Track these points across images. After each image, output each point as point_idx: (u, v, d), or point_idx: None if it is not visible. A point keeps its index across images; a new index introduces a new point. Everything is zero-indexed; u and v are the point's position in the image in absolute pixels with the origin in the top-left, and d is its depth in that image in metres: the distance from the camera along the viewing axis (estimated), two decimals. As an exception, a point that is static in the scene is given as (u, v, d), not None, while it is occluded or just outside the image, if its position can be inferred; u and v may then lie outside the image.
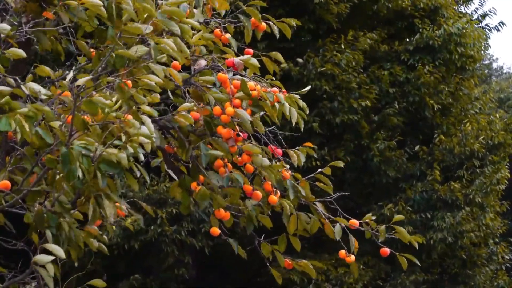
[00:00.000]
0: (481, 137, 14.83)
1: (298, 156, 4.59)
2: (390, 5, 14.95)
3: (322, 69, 13.68)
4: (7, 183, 3.47)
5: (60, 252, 3.10)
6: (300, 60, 13.84)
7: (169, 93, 4.22)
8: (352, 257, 4.65)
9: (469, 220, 14.39)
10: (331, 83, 13.83)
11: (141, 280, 13.40)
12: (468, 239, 14.40)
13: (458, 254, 14.73)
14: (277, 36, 4.54)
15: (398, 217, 4.67)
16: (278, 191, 4.38)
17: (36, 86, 3.25)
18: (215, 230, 4.48)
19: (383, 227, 4.62)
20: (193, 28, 3.95)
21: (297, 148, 4.64)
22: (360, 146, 14.48)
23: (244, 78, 4.12)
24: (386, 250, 4.71)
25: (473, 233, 14.47)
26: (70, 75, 3.66)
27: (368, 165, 14.60)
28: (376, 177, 14.63)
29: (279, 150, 4.58)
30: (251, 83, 4.09)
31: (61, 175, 3.23)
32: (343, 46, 14.03)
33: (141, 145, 3.31)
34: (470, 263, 15.06)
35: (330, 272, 13.74)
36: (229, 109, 4.02)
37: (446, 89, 15.07)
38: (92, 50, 4.32)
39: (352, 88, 13.96)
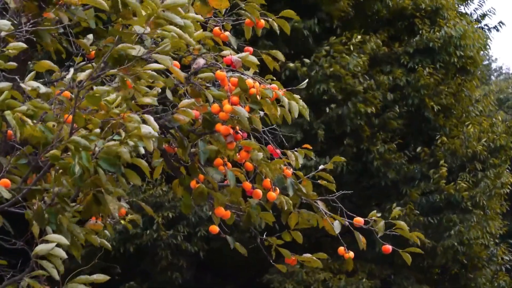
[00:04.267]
0: (483, 139, 14.78)
1: (296, 157, 4.60)
2: (391, 3, 14.89)
3: (331, 69, 13.60)
4: (6, 181, 3.47)
5: (62, 239, 3.03)
6: (307, 60, 13.79)
7: (167, 93, 4.22)
8: (351, 253, 4.66)
9: (478, 228, 14.35)
10: (337, 85, 13.73)
11: (136, 286, 13.40)
12: (478, 246, 14.41)
13: (460, 258, 14.71)
14: (278, 32, 4.53)
15: (396, 211, 4.68)
16: (277, 188, 4.38)
17: (36, 83, 3.24)
18: (214, 228, 4.48)
19: (382, 222, 4.63)
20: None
21: (295, 149, 4.65)
22: (360, 149, 14.41)
23: (242, 75, 4.12)
24: (388, 247, 4.72)
25: (479, 240, 14.46)
26: (71, 73, 3.66)
27: (368, 168, 14.54)
28: (375, 180, 14.58)
29: (278, 151, 4.59)
30: (249, 81, 4.09)
31: (60, 171, 3.22)
32: (352, 48, 13.97)
33: (141, 138, 3.29)
34: (471, 265, 15.04)
35: (330, 280, 13.65)
36: (227, 106, 4.02)
37: (446, 89, 14.99)
38: (91, 50, 4.33)
39: (358, 92, 13.87)
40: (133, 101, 3.49)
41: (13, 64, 3.46)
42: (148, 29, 3.66)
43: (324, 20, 14.37)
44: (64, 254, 3.05)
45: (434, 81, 14.64)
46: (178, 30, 3.57)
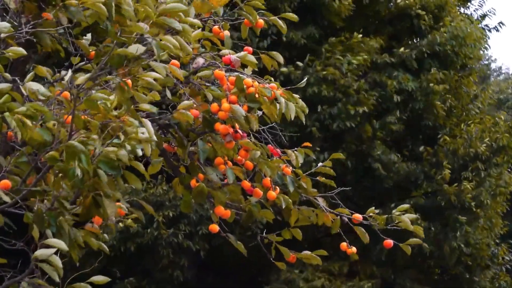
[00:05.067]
0: (486, 139, 14.71)
1: (296, 157, 4.61)
2: (391, 4, 14.79)
3: (323, 73, 13.56)
4: (7, 182, 3.47)
5: (62, 245, 3.04)
6: (300, 63, 13.80)
7: (167, 93, 4.22)
8: (354, 249, 4.67)
9: (483, 227, 14.29)
10: (330, 88, 13.70)
11: (136, 283, 13.40)
12: (484, 246, 14.37)
13: (464, 259, 14.67)
14: (284, 28, 4.53)
15: (403, 206, 4.68)
16: (278, 187, 4.39)
17: (35, 86, 3.24)
18: (214, 227, 4.48)
19: (383, 216, 4.63)
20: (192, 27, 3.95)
21: (295, 148, 4.66)
22: (361, 151, 14.33)
23: (240, 74, 4.12)
24: (389, 242, 4.71)
25: (485, 240, 14.42)
26: (69, 74, 3.66)
27: (369, 170, 14.47)
28: (377, 181, 14.48)
29: (278, 150, 4.60)
30: (248, 80, 4.09)
31: (60, 174, 3.23)
32: (353, 47, 13.90)
33: (140, 142, 3.31)
34: (473, 266, 15.00)
35: (332, 283, 13.58)
36: (225, 105, 4.03)
37: (448, 89, 14.87)
38: (91, 50, 4.33)
39: (351, 93, 13.79)
40: (132, 106, 3.50)
41: (0, 67, 3.46)
42: (148, 28, 3.66)
43: (325, 26, 14.32)
44: (60, 264, 3.08)
45: (443, 86, 14.48)
46: (175, 42, 3.58)
